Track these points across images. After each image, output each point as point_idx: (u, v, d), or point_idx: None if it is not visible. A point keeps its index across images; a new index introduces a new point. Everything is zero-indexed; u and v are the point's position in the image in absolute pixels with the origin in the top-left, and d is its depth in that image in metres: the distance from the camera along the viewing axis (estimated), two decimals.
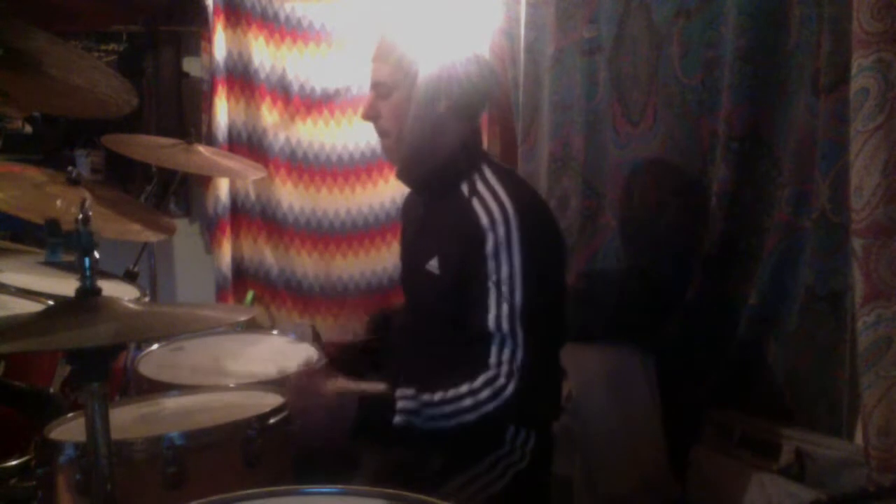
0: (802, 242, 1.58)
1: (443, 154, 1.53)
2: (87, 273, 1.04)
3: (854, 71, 1.23)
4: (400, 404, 1.38)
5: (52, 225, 1.02)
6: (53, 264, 1.96)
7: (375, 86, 1.55)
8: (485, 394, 1.37)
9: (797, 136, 1.61)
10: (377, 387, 1.46)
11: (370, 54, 1.57)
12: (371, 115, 1.57)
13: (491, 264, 1.41)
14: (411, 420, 1.38)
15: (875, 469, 1.23)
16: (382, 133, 1.58)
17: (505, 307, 1.39)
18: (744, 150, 1.72)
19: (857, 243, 1.24)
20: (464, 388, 1.38)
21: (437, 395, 1.39)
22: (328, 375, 1.46)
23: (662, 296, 1.96)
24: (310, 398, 1.41)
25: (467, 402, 1.38)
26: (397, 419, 1.37)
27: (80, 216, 1.03)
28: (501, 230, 1.41)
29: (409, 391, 1.40)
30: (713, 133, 1.81)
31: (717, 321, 1.80)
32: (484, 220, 1.43)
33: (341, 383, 1.47)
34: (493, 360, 1.39)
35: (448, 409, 1.38)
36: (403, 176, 1.63)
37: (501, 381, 1.38)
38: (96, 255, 1.04)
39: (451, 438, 1.41)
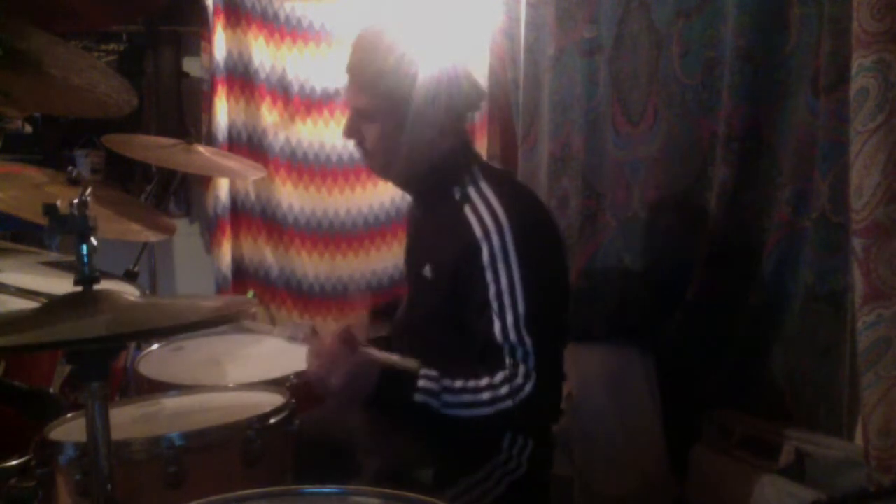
0: (802, 242, 1.58)
1: (429, 163, 1.51)
2: (85, 259, 1.03)
3: (854, 71, 1.23)
4: (421, 383, 1.37)
5: (51, 209, 1.01)
6: (53, 264, 1.96)
7: (355, 111, 1.51)
8: (504, 390, 1.37)
9: (797, 136, 1.61)
10: (406, 363, 1.45)
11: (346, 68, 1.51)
12: (353, 136, 1.53)
13: (489, 276, 1.40)
14: (429, 402, 1.36)
15: (875, 469, 1.23)
16: (367, 155, 1.54)
17: (510, 318, 1.38)
18: (744, 150, 1.72)
19: (857, 243, 1.24)
20: (484, 382, 1.37)
21: (458, 383, 1.38)
22: (357, 342, 1.45)
23: (662, 296, 1.96)
24: (335, 358, 1.39)
25: (486, 395, 1.37)
26: (417, 397, 1.36)
27: (77, 200, 1.02)
28: (496, 241, 1.40)
29: (433, 372, 1.38)
30: (713, 133, 1.81)
31: (717, 321, 1.80)
32: (477, 230, 1.42)
33: (371, 351, 1.46)
34: (508, 362, 1.38)
35: (467, 398, 1.37)
36: (390, 178, 1.62)
37: (519, 380, 1.37)
38: (94, 241, 1.03)
39: (462, 430, 1.41)
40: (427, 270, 1.51)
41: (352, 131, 1.53)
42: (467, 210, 1.45)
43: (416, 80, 1.45)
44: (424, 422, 1.39)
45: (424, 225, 1.60)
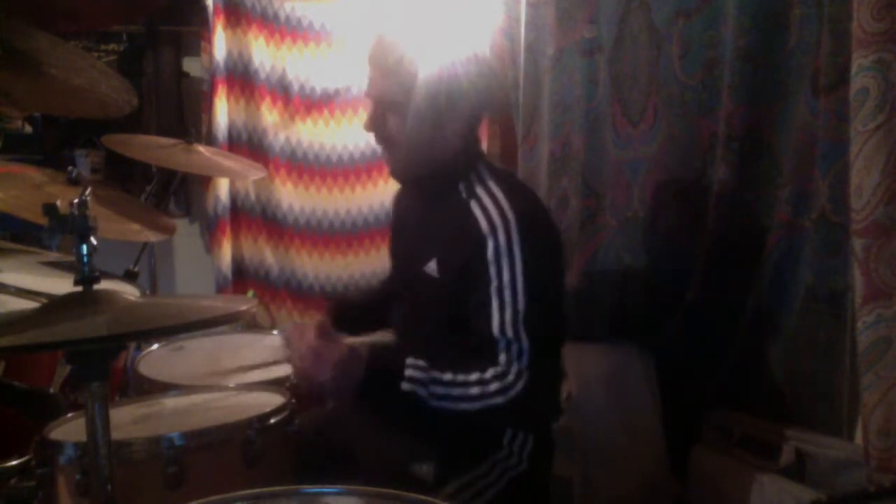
0: (802, 242, 1.58)
1: (440, 156, 1.51)
2: (85, 259, 1.03)
3: (854, 71, 1.23)
4: (409, 372, 1.36)
5: (51, 209, 1.01)
6: (53, 264, 1.97)
7: (380, 100, 1.49)
8: (493, 386, 1.36)
9: (797, 136, 1.61)
10: (385, 340, 1.43)
11: (367, 59, 1.51)
12: (376, 127, 1.51)
13: (492, 270, 1.39)
14: (417, 390, 1.36)
15: (875, 469, 1.23)
16: (389, 143, 1.52)
17: (508, 313, 1.38)
18: (744, 150, 1.72)
19: (857, 243, 1.24)
20: (473, 376, 1.37)
21: (447, 375, 1.37)
22: (330, 333, 1.43)
23: (662, 296, 1.96)
24: (319, 353, 1.37)
25: (475, 389, 1.36)
26: (405, 385, 1.35)
27: (77, 200, 1.01)
28: (502, 236, 1.40)
29: (421, 362, 1.38)
30: (713, 133, 1.81)
31: (717, 321, 1.80)
32: (484, 225, 1.41)
33: (352, 340, 1.44)
34: (502, 359, 1.38)
35: (455, 391, 1.37)
36: (398, 175, 1.61)
37: (511, 378, 1.36)
38: (94, 241, 1.03)
39: (450, 424, 1.40)
40: (432, 268, 1.49)
41: (374, 122, 1.51)
42: (474, 206, 1.45)
43: (441, 69, 1.44)
44: (412, 412, 1.38)
45: (427, 222, 1.58)
